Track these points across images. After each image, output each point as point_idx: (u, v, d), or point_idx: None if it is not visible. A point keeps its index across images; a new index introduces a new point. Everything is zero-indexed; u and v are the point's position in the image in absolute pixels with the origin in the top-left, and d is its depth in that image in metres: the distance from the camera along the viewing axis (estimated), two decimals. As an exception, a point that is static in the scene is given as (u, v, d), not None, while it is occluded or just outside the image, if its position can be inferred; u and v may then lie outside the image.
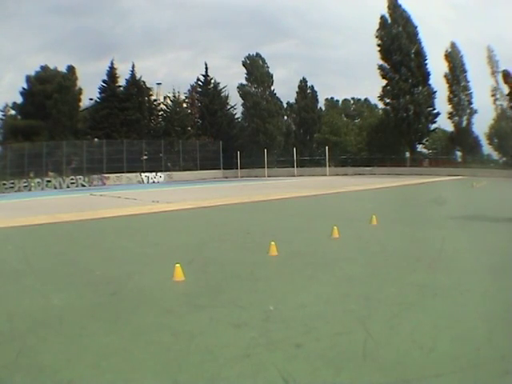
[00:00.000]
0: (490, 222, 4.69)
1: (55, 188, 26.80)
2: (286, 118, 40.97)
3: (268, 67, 37.19)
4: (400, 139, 32.74)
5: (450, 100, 32.25)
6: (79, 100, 36.85)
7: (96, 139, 33.57)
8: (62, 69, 36.61)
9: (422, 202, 8.28)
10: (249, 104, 36.62)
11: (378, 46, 32.93)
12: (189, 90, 38.49)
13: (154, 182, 30.36)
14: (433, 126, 33.98)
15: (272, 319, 1.69)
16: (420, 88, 31.65)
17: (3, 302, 2.09)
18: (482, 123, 34.82)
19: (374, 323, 1.60)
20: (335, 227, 3.55)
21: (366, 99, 48.74)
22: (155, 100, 38.56)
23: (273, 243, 2.92)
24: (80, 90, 36.33)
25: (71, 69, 36.00)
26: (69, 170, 31.01)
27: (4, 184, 25.91)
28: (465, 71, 32.20)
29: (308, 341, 1.46)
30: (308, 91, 39.73)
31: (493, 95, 30.96)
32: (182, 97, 37.97)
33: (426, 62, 32.80)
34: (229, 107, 38.63)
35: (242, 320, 1.68)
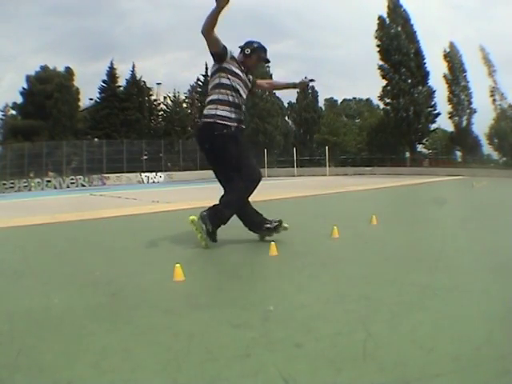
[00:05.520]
0: (491, 221, 4.69)
1: (55, 188, 26.86)
2: (286, 117, 40.99)
3: (269, 67, 37.24)
4: (400, 139, 32.75)
5: (450, 100, 32.29)
6: (79, 100, 36.87)
7: (96, 139, 33.65)
8: (62, 69, 36.66)
9: (423, 202, 8.28)
10: (249, 104, 36.64)
11: (378, 46, 32.92)
12: (189, 90, 38.58)
13: (154, 182, 30.39)
14: (433, 126, 34.04)
15: (272, 319, 1.69)
16: (420, 88, 31.67)
17: (3, 302, 2.08)
18: (482, 123, 34.96)
19: (374, 323, 1.60)
20: (335, 227, 3.55)
21: (367, 99, 48.75)
22: (155, 100, 38.64)
23: (273, 243, 2.92)
24: (77, 89, 36.33)
25: (69, 70, 36.01)
26: (69, 170, 31.10)
27: (4, 184, 25.96)
28: (464, 71, 32.26)
29: (308, 341, 1.46)
30: (308, 91, 39.71)
31: (491, 95, 30.99)
32: (182, 97, 38.05)
33: (425, 61, 32.79)
34: (229, 107, 38.49)
35: (242, 320, 1.68)
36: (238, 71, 2.99)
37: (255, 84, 3.34)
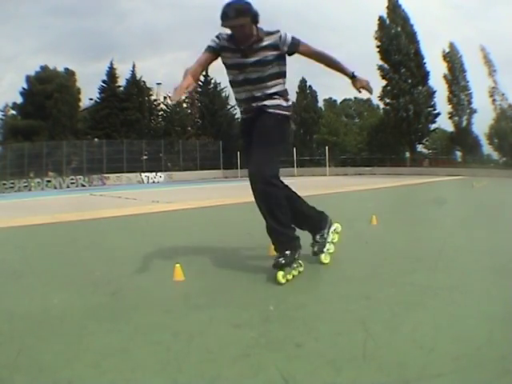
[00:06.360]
0: (491, 221, 4.69)
1: (55, 188, 26.86)
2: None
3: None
4: (400, 139, 32.70)
5: (450, 100, 32.25)
6: (79, 100, 36.86)
7: (96, 139, 33.61)
8: (62, 69, 36.62)
9: (423, 202, 8.28)
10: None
11: (378, 47, 32.90)
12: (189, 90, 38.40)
13: (153, 182, 30.38)
14: (433, 126, 33.97)
15: (272, 319, 1.69)
16: (420, 88, 31.62)
17: (3, 302, 2.08)
18: (482, 123, 34.92)
19: (374, 323, 1.60)
20: (335, 227, 3.54)
21: (367, 99, 48.69)
22: (155, 100, 38.56)
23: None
24: (78, 89, 36.31)
25: (69, 71, 35.95)
26: (69, 170, 31.10)
27: (4, 184, 25.96)
28: (464, 71, 32.22)
29: (308, 341, 1.46)
30: (307, 91, 39.69)
31: (491, 95, 30.98)
32: (182, 97, 37.93)
33: (425, 62, 32.74)
34: (229, 107, 38.60)
35: (242, 320, 1.68)
36: (228, 61, 2.51)
37: (296, 47, 2.44)
